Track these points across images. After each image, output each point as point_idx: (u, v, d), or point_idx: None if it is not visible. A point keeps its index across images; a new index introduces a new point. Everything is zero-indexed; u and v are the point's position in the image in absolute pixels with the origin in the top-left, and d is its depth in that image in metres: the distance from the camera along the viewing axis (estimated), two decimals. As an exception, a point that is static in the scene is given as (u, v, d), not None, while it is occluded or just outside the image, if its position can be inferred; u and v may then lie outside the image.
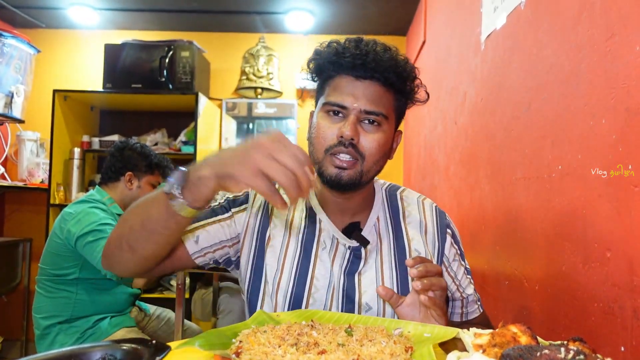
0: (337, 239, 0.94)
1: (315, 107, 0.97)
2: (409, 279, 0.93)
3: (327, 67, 0.92)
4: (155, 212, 0.76)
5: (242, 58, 3.55)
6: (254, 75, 3.50)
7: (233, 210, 0.96)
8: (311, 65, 0.96)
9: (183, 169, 0.73)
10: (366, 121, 0.89)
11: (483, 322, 1.06)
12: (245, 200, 0.98)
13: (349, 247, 0.94)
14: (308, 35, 3.59)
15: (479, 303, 1.04)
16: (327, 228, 0.95)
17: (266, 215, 0.97)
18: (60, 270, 1.87)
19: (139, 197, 2.22)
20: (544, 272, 1.02)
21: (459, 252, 1.01)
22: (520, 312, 1.15)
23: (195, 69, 3.04)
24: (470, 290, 1.01)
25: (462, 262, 1.02)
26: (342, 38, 0.93)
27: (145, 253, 0.82)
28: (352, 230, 0.95)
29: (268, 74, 3.47)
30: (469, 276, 1.03)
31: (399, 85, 0.91)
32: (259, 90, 3.50)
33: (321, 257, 0.94)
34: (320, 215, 0.96)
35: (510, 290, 1.23)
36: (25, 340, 3.05)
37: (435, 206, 1.03)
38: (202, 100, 3.07)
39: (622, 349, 0.71)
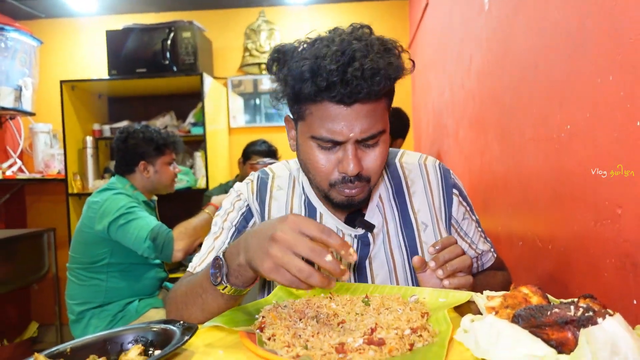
0: (342, 230, 0.92)
1: (293, 121, 0.88)
2: (421, 255, 0.92)
3: (304, 90, 0.76)
4: (211, 298, 0.75)
5: (244, 34, 3.51)
6: (257, 50, 3.47)
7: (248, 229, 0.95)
8: (280, 75, 0.81)
9: (219, 256, 0.72)
10: (365, 142, 0.81)
11: (498, 267, 1.06)
12: (250, 213, 0.96)
13: (355, 236, 0.92)
14: (308, 6, 3.52)
15: (492, 250, 1.03)
16: (329, 222, 0.93)
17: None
18: (92, 257, 1.94)
19: (160, 181, 2.21)
20: (557, 231, 1.03)
21: (467, 208, 0.99)
22: (534, 271, 1.17)
23: (197, 49, 3.02)
24: (482, 245, 1.01)
25: (473, 217, 1.00)
26: (338, 17, 0.81)
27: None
28: (355, 217, 0.92)
29: (271, 48, 3.44)
30: (479, 229, 1.01)
31: (391, 85, 0.80)
32: (263, 66, 3.48)
33: None
34: (321, 209, 0.94)
35: (524, 250, 1.24)
36: (59, 325, 3.19)
37: (439, 164, 0.99)
38: (207, 80, 3.06)
39: (635, 302, 0.73)
